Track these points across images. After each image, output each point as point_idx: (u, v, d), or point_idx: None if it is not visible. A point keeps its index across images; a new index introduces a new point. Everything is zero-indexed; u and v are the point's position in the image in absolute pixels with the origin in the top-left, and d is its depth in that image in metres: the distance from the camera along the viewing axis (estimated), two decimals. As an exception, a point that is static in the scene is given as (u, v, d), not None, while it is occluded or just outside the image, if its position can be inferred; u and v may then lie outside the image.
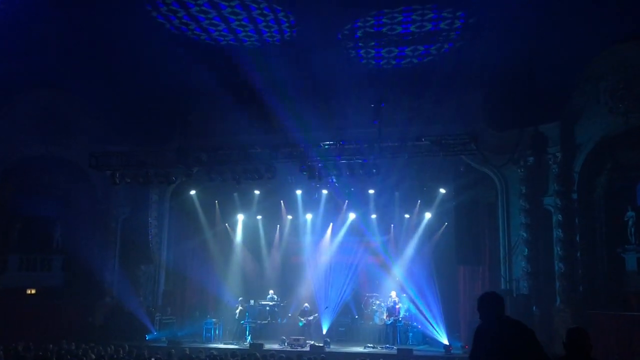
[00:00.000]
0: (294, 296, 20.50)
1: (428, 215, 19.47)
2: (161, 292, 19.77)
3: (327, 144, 15.02)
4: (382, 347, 16.94)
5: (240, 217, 21.31)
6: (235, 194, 20.17)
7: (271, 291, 20.10)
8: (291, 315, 19.64)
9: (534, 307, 16.04)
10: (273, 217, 21.40)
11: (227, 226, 21.47)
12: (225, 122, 18.12)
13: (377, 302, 19.34)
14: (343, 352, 16.23)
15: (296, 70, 15.93)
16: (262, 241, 21.61)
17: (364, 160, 14.88)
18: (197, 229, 20.57)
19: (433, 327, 17.78)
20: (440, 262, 18.69)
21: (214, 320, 18.29)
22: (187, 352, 13.26)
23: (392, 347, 16.72)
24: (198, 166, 16.24)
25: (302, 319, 18.24)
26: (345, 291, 20.26)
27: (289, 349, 16.39)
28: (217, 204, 20.80)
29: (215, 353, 13.07)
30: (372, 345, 17.16)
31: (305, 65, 15.82)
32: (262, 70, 16.17)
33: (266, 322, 19.18)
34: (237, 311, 18.50)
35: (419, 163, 16.96)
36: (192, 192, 19.66)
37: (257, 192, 20.06)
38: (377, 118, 15.61)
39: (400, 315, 17.90)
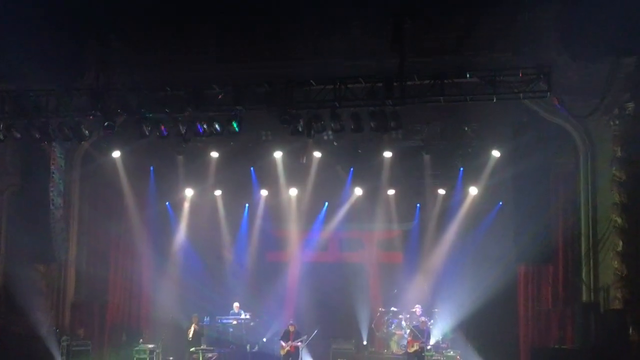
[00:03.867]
0: (269, 312, 20.49)
1: (474, 191, 19.36)
2: (70, 304, 19.74)
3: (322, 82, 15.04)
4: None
5: (189, 193, 21.17)
6: (181, 158, 19.95)
7: (236, 304, 20.08)
8: (266, 340, 19.66)
9: (630, 329, 16.09)
10: (239, 193, 21.25)
11: (169, 206, 21.34)
12: (168, 47, 18.10)
13: (396, 320, 19.32)
14: None
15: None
16: (223, 229, 21.52)
17: (376, 107, 14.88)
18: (122, 209, 20.50)
19: (479, 357, 17.81)
20: (492, 260, 18.64)
21: (150, 346, 18.27)
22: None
23: (418, 388, 16.85)
24: (124, 114, 16.25)
25: (285, 345, 18.20)
26: (347, 304, 20.22)
27: None
28: (152, 173, 20.62)
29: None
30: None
31: None
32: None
33: (229, 349, 19.16)
34: (190, 333, 18.59)
35: (461, 111, 16.82)
36: (116, 155, 19.40)
37: (214, 154, 19.81)
38: (398, 44, 15.51)
39: (430, 341, 17.87)
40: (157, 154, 19.75)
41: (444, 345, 18.23)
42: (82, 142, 17.85)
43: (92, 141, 18.21)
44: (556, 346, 16.60)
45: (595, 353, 15.64)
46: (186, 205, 21.29)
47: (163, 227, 21.33)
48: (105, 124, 15.97)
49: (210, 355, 18.17)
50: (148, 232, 20.94)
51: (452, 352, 18.21)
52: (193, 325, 18.63)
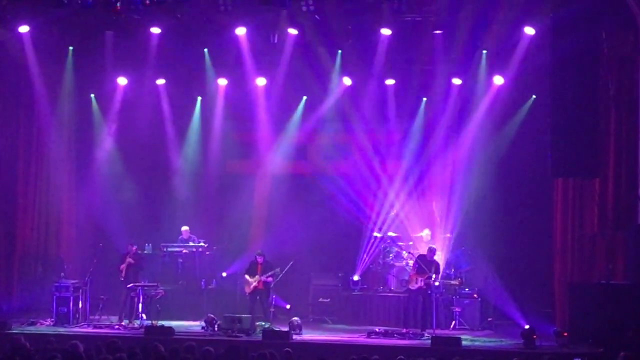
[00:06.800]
0: (230, 238, 20.82)
1: (499, 81, 19.28)
2: (-33, 228, 19.87)
3: None
4: (403, 335, 17.12)
5: (122, 82, 21.05)
6: (110, 34, 19.64)
7: (185, 228, 20.37)
8: (227, 275, 19.96)
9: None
10: (189, 83, 21.25)
11: (94, 99, 21.31)
12: None
13: (395, 249, 19.64)
14: (326, 343, 16.46)
15: None
16: (168, 130, 21.65)
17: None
18: (33, 103, 20.39)
19: (502, 296, 18.15)
20: (521, 171, 18.87)
21: (73, 282, 18.37)
22: (24, 344, 13.12)
23: (423, 335, 17.06)
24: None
25: (251, 281, 18.38)
26: (331, 228, 20.41)
27: (221, 335, 16.61)
28: (71, 54, 20.38)
29: (79, 345, 12.92)
30: (382, 329, 17.44)
31: None
32: None
33: (177, 286, 19.49)
34: (123, 270, 18.65)
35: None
36: (23, 30, 19.05)
37: (156, 30, 19.44)
38: None
39: (440, 275, 18.05)
40: (78, 29, 19.50)
41: (456, 282, 18.48)
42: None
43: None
44: (602, 281, 16.57)
45: (652, 290, 15.82)
46: (117, 99, 21.18)
47: (87, 126, 21.36)
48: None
49: (153, 293, 18.33)
50: (67, 133, 20.96)
51: (467, 289, 18.55)
52: (127, 260, 18.67)
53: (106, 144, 21.51)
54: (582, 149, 17.01)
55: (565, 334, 16.22)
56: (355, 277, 20.03)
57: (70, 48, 20.30)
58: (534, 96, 18.99)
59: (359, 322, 18.85)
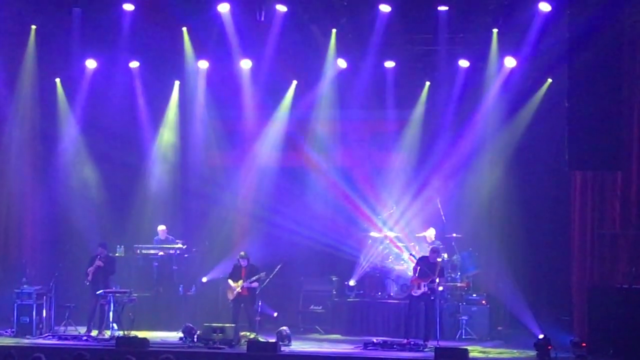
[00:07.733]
0: (211, 239, 20.81)
1: (511, 63, 19.33)
2: None
3: None
4: (403, 346, 17.03)
5: (91, 65, 21.01)
6: (78, 11, 19.56)
7: (162, 228, 20.39)
8: (207, 280, 19.94)
9: None
10: (166, 66, 21.24)
11: (59, 83, 21.32)
12: None
13: (395, 250, 19.63)
14: (318, 355, 16.49)
15: None
16: (142, 118, 21.64)
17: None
18: None
19: (514, 302, 18.18)
20: (535, 163, 18.93)
21: (36, 288, 18.29)
22: (-19, 357, 13.14)
23: (425, 346, 17.03)
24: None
25: (234, 286, 18.34)
26: (324, 227, 20.53)
27: (202, 347, 16.57)
28: (33, 34, 20.33)
29: (42, 358, 12.91)
30: (381, 340, 17.33)
31: None
32: None
33: (152, 292, 19.58)
34: (91, 270, 18.51)
35: None
36: None
37: (128, 7, 19.45)
38: None
39: (445, 280, 18.06)
40: (42, 6, 19.48)
41: (463, 284, 18.60)
42: None
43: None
44: (625, 285, 16.67)
45: (682, 295, 15.83)
46: (86, 83, 21.08)
47: (51, 114, 21.30)
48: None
49: (126, 300, 18.25)
50: (29, 122, 20.88)
51: (475, 295, 18.57)
52: (97, 262, 18.51)
53: (73, 134, 21.36)
54: (603, 138, 17.03)
55: (584, 344, 16.19)
56: (351, 282, 19.97)
57: (33, 27, 20.21)
58: (549, 80, 19.02)
59: (354, 332, 18.88)
